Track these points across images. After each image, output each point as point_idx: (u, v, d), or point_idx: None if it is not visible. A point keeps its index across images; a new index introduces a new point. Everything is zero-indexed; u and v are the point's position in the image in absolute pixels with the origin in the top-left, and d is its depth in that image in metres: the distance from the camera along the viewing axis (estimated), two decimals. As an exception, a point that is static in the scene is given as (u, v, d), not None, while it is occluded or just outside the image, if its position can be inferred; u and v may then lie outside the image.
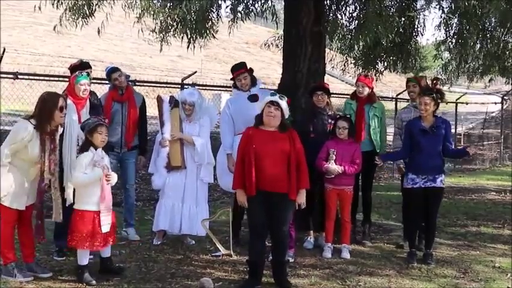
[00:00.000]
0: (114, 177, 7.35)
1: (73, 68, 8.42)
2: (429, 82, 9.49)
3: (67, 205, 7.47)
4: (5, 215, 7.00)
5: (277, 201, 7.05)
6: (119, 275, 7.34)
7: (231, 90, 9.79)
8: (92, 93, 8.47)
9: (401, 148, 8.92)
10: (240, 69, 8.99)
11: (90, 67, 8.79)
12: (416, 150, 8.42)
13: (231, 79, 9.14)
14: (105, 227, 7.13)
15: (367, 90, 9.47)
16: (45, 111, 6.91)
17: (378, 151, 9.44)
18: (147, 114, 9.61)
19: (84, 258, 7.16)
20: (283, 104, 7.18)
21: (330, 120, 9.00)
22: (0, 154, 6.85)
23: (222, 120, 9.00)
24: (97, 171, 7.09)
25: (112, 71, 9.21)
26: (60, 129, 7.29)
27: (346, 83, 43.79)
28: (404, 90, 10.20)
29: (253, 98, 8.78)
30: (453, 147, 9.01)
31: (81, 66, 8.53)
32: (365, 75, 9.63)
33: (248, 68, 9.05)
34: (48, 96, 7.04)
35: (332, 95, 9.57)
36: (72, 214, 7.17)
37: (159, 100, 8.97)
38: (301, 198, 7.19)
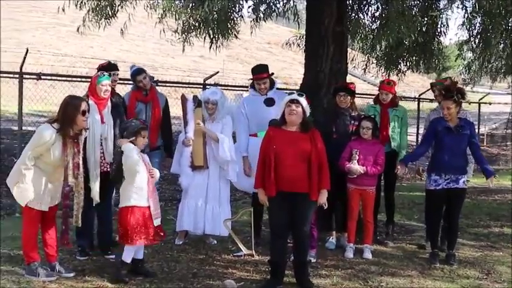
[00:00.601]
0: (156, 173, 7.49)
1: (101, 69, 8.47)
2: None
3: (94, 204, 7.53)
4: (29, 216, 7.05)
5: (298, 201, 7.05)
6: (148, 277, 7.34)
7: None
8: (115, 94, 8.53)
9: (418, 146, 8.86)
10: (261, 74, 8.95)
11: (118, 69, 8.85)
12: (439, 149, 8.37)
13: (250, 79, 9.15)
14: (157, 221, 7.29)
15: (390, 97, 9.47)
16: (68, 116, 6.93)
17: (398, 151, 9.40)
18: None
19: (129, 255, 7.24)
20: (303, 100, 7.19)
21: (353, 121, 8.97)
22: (25, 158, 6.89)
23: (238, 120, 9.02)
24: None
25: (137, 72, 9.22)
26: (85, 133, 7.32)
27: (368, 83, 43.62)
28: (427, 90, 10.15)
29: (269, 102, 8.84)
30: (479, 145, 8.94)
31: (109, 68, 8.59)
32: (387, 83, 9.55)
33: (269, 72, 9.04)
34: (71, 100, 7.07)
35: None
36: (119, 213, 7.27)
37: (183, 99, 8.95)
38: (323, 199, 7.17)
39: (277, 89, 9.35)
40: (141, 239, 7.14)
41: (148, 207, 7.22)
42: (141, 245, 7.27)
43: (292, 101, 7.10)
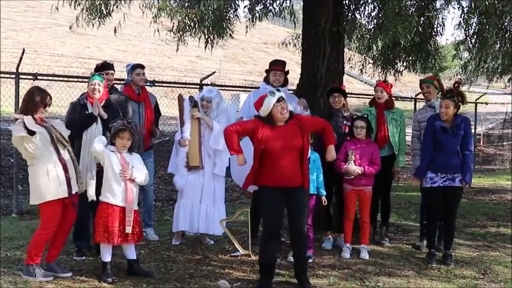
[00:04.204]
0: (131, 173, 7.28)
1: (96, 69, 8.49)
2: (449, 84, 9.41)
3: (89, 201, 7.51)
4: (47, 217, 7.06)
5: (293, 195, 7.05)
6: (146, 277, 7.32)
7: (249, 91, 9.78)
8: (115, 90, 8.55)
9: (423, 151, 8.75)
10: (278, 66, 9.20)
11: (113, 68, 8.84)
12: (436, 149, 8.36)
13: (266, 71, 9.25)
14: (128, 228, 7.13)
15: (385, 96, 9.38)
16: (31, 106, 6.98)
17: (397, 153, 9.34)
18: (165, 114, 9.62)
19: (104, 253, 7.23)
20: (284, 95, 7.30)
21: (345, 122, 8.98)
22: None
23: (242, 109, 9.28)
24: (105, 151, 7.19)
25: (138, 66, 9.29)
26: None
27: (365, 83, 43.71)
28: (424, 90, 10.08)
29: None
30: (472, 146, 8.91)
31: (104, 67, 8.60)
32: (384, 81, 9.56)
33: (285, 69, 9.22)
34: (37, 91, 7.12)
35: (350, 95, 9.53)
36: (97, 207, 7.24)
37: (180, 99, 8.95)
38: (331, 154, 7.50)
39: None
40: (103, 238, 7.11)
41: (122, 208, 7.17)
42: (107, 244, 7.20)
43: (279, 100, 7.10)
